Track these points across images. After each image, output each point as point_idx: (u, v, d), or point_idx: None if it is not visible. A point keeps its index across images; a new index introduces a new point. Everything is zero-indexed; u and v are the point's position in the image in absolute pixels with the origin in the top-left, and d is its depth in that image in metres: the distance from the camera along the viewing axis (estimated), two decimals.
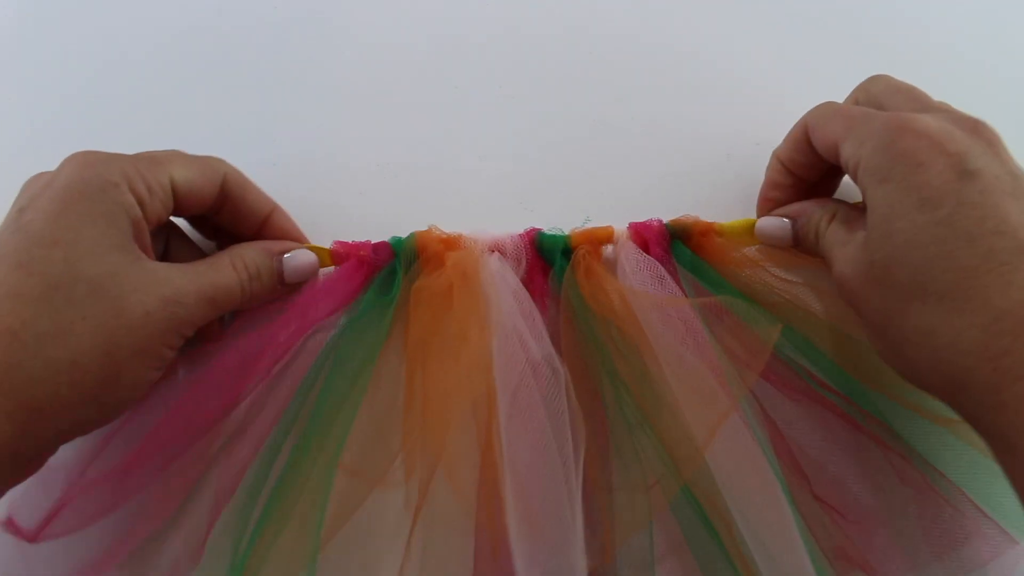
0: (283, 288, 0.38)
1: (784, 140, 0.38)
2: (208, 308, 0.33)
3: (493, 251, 0.39)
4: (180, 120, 0.46)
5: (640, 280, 0.38)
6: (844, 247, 0.33)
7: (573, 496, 0.33)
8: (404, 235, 0.40)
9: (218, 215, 0.37)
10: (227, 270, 0.35)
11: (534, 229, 0.40)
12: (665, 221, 0.40)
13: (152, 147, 0.35)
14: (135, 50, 0.48)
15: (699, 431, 0.33)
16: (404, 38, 0.47)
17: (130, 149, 0.34)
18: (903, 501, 0.36)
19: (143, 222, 0.32)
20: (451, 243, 0.40)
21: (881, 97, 0.35)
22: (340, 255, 0.39)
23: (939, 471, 0.36)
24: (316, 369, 0.38)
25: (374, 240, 0.40)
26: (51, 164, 0.33)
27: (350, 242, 0.40)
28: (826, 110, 0.35)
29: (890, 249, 0.30)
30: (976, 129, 0.32)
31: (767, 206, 0.39)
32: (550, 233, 0.40)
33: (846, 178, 0.38)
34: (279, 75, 0.47)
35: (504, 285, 0.37)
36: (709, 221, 0.40)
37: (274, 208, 0.38)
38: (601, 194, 0.44)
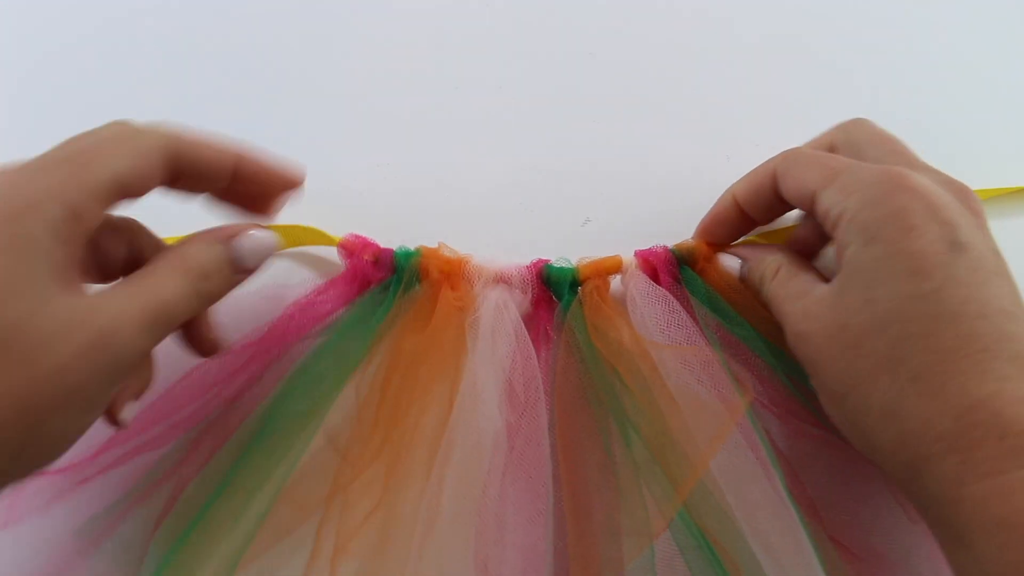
0: (244, 275, 0.33)
1: (744, 181, 0.36)
2: (154, 331, 0.28)
3: (499, 282, 0.39)
4: (175, 120, 0.45)
5: (652, 313, 0.37)
6: (798, 302, 0.31)
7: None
8: (406, 236, 0.39)
9: (176, 185, 0.32)
10: (171, 279, 0.29)
11: (541, 261, 0.39)
12: (670, 246, 0.39)
13: None
14: (127, 45, 0.47)
15: (697, 455, 0.32)
16: (404, 37, 0.47)
17: None
18: (914, 540, 0.35)
19: (72, 242, 0.27)
20: (454, 271, 0.39)
21: (863, 144, 0.34)
22: (349, 247, 0.39)
23: None
24: (280, 386, 0.36)
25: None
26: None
27: (362, 238, 0.39)
28: (800, 156, 0.34)
29: (868, 316, 0.28)
30: (965, 196, 0.30)
31: (704, 238, 0.39)
32: (558, 266, 0.39)
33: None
34: (277, 74, 0.47)
35: (495, 327, 0.36)
36: (711, 244, 0.39)
37: (239, 156, 0.32)
38: (601, 194, 0.43)
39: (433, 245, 0.40)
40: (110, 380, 0.27)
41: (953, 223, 0.28)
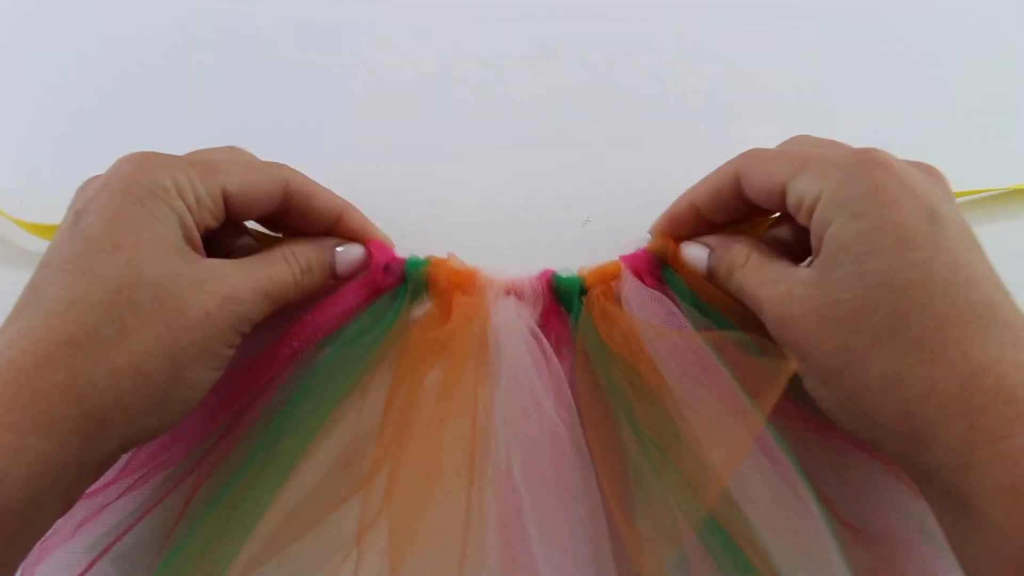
0: (335, 282, 0.38)
1: (703, 185, 0.37)
2: (265, 303, 0.33)
3: (509, 293, 0.39)
4: (180, 126, 0.46)
5: (646, 314, 0.37)
6: (776, 286, 0.31)
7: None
8: (406, 236, 0.40)
9: (283, 219, 0.37)
10: (280, 264, 0.34)
11: (549, 271, 0.39)
12: (647, 248, 0.39)
13: None
14: (132, 56, 0.48)
15: (719, 464, 0.32)
16: (403, 40, 0.47)
17: None
18: (923, 510, 0.34)
19: (193, 227, 0.32)
20: (464, 281, 0.39)
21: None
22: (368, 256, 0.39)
23: None
24: (286, 394, 0.37)
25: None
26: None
27: (380, 245, 0.39)
28: (762, 153, 0.34)
29: (863, 289, 0.28)
30: (932, 173, 0.31)
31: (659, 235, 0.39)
32: (565, 276, 0.39)
33: None
34: (278, 79, 0.47)
35: (519, 336, 0.36)
36: (676, 240, 0.38)
37: (344, 210, 0.38)
38: (600, 195, 0.43)
39: (435, 248, 0.40)
40: (234, 337, 0.32)
41: (928, 196, 0.29)
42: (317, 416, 0.35)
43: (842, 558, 0.31)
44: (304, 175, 0.37)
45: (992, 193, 0.43)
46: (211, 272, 0.31)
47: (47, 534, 0.33)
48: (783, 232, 0.36)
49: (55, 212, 0.34)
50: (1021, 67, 0.47)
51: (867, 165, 0.29)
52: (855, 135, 0.34)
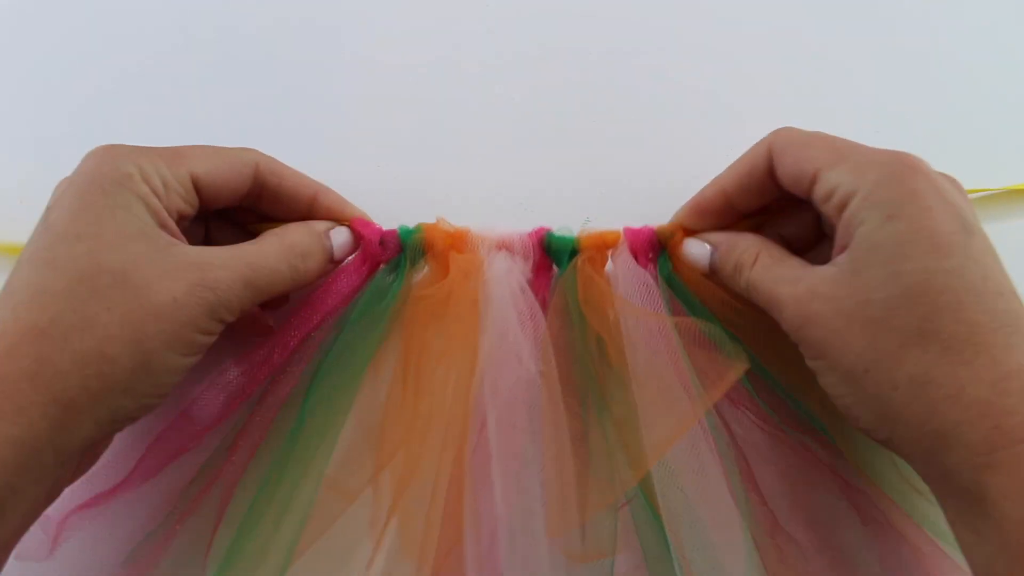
0: (331, 266, 0.38)
1: (734, 167, 0.36)
2: (247, 292, 0.32)
3: (500, 249, 0.39)
4: (180, 126, 0.46)
5: (628, 290, 0.37)
6: (796, 285, 0.31)
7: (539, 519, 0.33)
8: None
9: (258, 205, 0.37)
10: (272, 251, 0.34)
11: (543, 228, 0.40)
12: (655, 227, 0.39)
13: None
14: (132, 56, 0.48)
15: (654, 442, 0.33)
16: (403, 39, 0.48)
17: None
18: (865, 540, 0.36)
19: (163, 211, 0.32)
20: (457, 240, 0.39)
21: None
22: (358, 228, 0.39)
23: (899, 507, 0.36)
24: (307, 375, 0.37)
25: None
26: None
27: (368, 222, 0.39)
28: (799, 135, 0.34)
29: (896, 290, 0.29)
30: (955, 184, 0.32)
31: (683, 224, 0.38)
32: (559, 234, 0.39)
33: None
34: (278, 76, 0.47)
35: (507, 289, 0.37)
36: (686, 230, 0.38)
37: (318, 191, 0.38)
38: (601, 194, 0.44)
39: None
40: (209, 324, 0.31)
41: (958, 206, 0.30)
42: (345, 391, 0.36)
43: (750, 555, 0.32)
44: (274, 158, 0.37)
45: (992, 193, 0.43)
46: (182, 258, 0.31)
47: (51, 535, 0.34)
48: (789, 224, 0.37)
49: None
50: (1021, 67, 0.47)
51: (905, 169, 0.30)
52: (855, 135, 0.34)
